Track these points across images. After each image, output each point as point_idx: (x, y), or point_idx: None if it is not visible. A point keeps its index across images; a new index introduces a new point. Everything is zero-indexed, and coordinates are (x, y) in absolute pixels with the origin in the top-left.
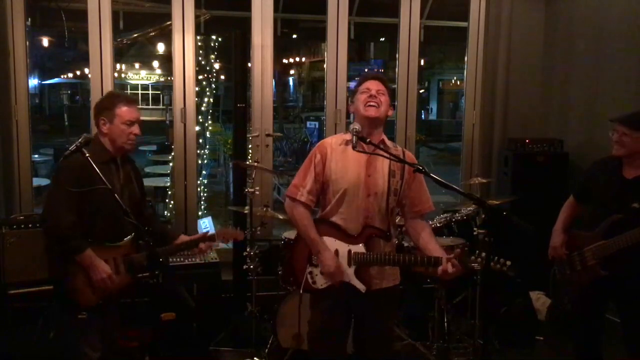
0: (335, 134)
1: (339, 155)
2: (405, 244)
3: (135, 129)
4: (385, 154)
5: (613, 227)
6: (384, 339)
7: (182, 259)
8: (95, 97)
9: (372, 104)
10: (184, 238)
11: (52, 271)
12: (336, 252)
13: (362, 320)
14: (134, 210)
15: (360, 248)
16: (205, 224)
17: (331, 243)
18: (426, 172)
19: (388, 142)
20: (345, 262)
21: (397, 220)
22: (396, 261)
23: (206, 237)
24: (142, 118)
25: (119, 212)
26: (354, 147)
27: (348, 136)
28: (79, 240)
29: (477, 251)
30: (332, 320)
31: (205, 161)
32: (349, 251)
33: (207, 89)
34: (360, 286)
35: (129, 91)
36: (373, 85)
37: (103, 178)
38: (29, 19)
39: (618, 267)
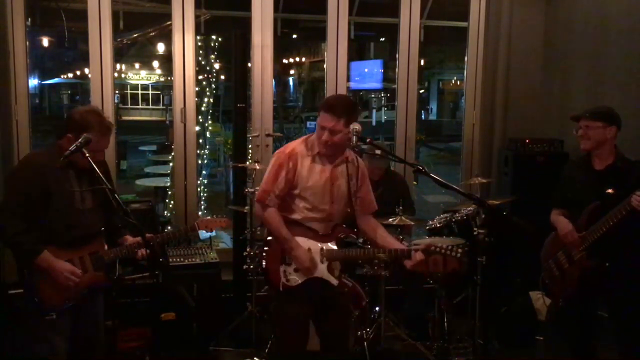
0: None
1: (307, 165)
2: (406, 244)
3: (100, 156)
4: (386, 156)
5: (592, 216)
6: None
7: (182, 259)
8: (95, 97)
9: (329, 144)
10: (128, 239)
11: (19, 272)
12: (309, 249)
13: (327, 309)
14: (100, 211)
15: (332, 245)
16: None
17: (304, 242)
18: (426, 172)
19: (347, 152)
20: (318, 259)
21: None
22: (367, 255)
23: (147, 242)
24: (142, 118)
25: (80, 212)
26: (354, 148)
27: (314, 148)
28: (32, 244)
29: (434, 247)
30: (301, 313)
31: (205, 161)
32: (322, 248)
33: (207, 89)
34: (333, 280)
35: (129, 91)
36: (328, 123)
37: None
38: (29, 19)
39: (604, 254)
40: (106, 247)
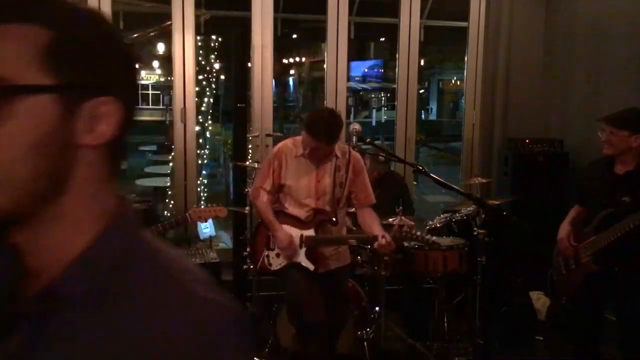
0: None
1: (293, 164)
2: (405, 244)
3: None
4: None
5: (603, 222)
6: (341, 309)
7: None
8: None
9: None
10: None
11: None
12: (290, 236)
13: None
14: None
15: (310, 232)
16: (205, 225)
17: (287, 230)
18: (426, 172)
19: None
20: (297, 245)
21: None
22: (338, 240)
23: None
24: (142, 118)
25: None
26: (353, 147)
27: (300, 148)
28: None
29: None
30: (305, 291)
31: (205, 161)
32: (301, 235)
33: (207, 89)
34: (309, 265)
35: None
36: (310, 144)
37: None
38: None
39: (611, 261)
40: None
